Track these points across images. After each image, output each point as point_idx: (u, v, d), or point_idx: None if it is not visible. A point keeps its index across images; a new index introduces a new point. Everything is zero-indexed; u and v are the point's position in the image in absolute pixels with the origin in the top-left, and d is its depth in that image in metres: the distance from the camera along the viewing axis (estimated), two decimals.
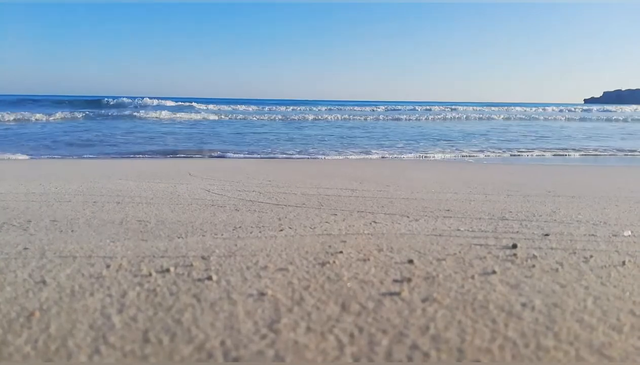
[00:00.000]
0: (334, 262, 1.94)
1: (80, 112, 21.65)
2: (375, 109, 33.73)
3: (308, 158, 8.56)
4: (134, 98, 30.60)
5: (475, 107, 39.56)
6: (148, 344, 1.26)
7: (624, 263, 1.98)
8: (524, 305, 1.52)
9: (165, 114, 22.30)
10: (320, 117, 24.41)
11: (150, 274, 1.78)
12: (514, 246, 2.20)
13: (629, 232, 2.54)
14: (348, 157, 8.89)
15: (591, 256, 2.07)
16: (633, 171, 7.04)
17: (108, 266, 1.87)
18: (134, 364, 1.18)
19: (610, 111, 37.17)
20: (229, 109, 29.76)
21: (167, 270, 1.82)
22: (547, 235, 2.45)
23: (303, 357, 1.20)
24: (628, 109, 41.53)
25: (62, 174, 5.13)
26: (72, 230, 2.53)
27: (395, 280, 1.73)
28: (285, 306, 1.50)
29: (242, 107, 32.19)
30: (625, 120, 27.01)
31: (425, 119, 25.31)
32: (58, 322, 1.38)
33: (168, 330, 1.33)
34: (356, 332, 1.33)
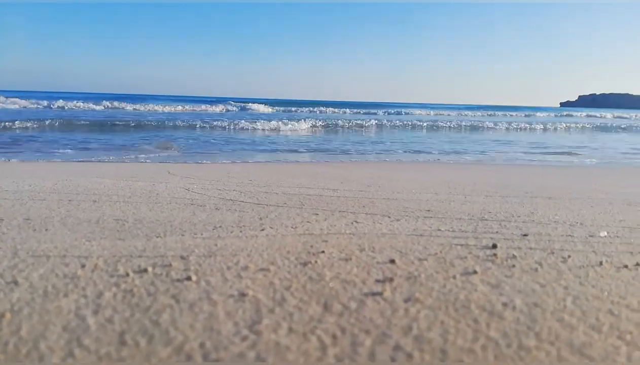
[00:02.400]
0: (316, 262, 1.92)
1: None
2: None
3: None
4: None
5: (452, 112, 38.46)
6: (124, 346, 1.23)
7: (601, 263, 2.01)
8: (505, 305, 1.53)
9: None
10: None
11: (127, 274, 1.73)
12: (494, 246, 2.22)
13: (605, 233, 2.58)
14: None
15: (569, 256, 2.10)
16: (607, 172, 7.19)
17: (83, 266, 1.82)
18: None
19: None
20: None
21: (145, 270, 1.78)
22: (526, 235, 2.48)
23: (285, 358, 1.18)
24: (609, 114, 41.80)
25: (36, 172, 5.00)
26: (46, 229, 2.46)
27: (377, 280, 1.72)
28: (266, 307, 1.48)
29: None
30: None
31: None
32: (30, 324, 1.33)
33: (145, 332, 1.30)
34: (339, 332, 1.32)
